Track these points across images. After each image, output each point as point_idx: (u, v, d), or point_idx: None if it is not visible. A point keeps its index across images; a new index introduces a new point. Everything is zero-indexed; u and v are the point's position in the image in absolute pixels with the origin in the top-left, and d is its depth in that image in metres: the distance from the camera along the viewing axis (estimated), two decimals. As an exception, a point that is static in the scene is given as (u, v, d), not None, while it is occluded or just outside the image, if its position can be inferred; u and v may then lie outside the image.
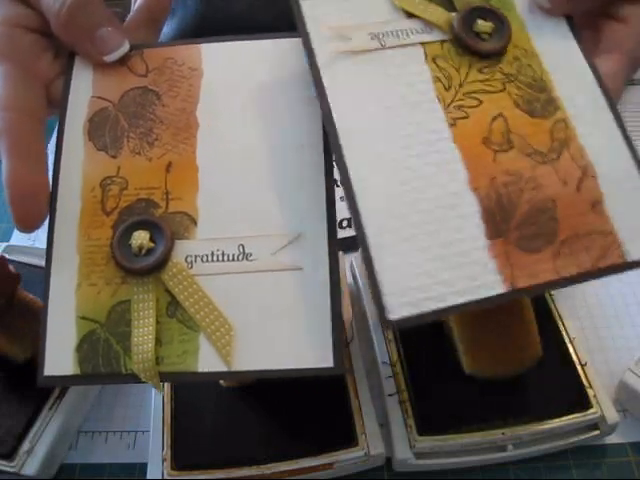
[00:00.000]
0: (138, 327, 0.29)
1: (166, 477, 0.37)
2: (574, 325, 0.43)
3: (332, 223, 0.31)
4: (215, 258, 0.30)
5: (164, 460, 0.38)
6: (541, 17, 0.33)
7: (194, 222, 0.31)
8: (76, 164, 0.32)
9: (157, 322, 0.29)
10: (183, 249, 0.30)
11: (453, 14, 0.32)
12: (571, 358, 0.41)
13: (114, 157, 0.32)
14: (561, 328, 0.43)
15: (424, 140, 0.30)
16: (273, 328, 0.29)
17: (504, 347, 0.37)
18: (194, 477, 0.37)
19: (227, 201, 0.31)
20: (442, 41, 0.32)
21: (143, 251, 0.30)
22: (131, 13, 0.35)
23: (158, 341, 0.29)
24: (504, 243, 0.29)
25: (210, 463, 0.38)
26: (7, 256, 0.49)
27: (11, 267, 0.40)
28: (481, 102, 0.31)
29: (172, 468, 0.37)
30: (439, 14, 0.32)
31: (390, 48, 0.32)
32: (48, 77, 0.32)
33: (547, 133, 0.31)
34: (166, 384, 0.41)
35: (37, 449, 0.40)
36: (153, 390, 0.41)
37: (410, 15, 0.32)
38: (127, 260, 0.30)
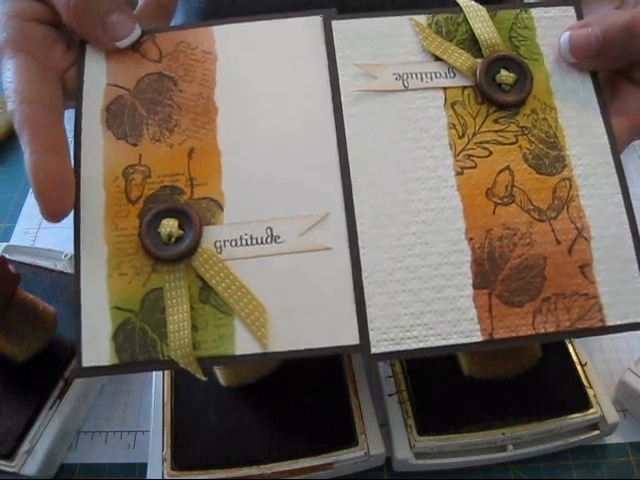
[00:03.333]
0: (173, 314, 0.29)
1: (166, 477, 0.37)
2: None
3: (349, 200, 0.31)
4: (244, 242, 0.30)
5: (164, 460, 0.38)
6: (567, 70, 0.34)
7: (220, 207, 0.31)
8: (96, 154, 0.31)
9: (191, 308, 0.30)
10: (211, 235, 0.31)
11: (478, 60, 0.33)
12: (571, 358, 0.41)
13: (134, 145, 0.32)
14: None
15: (431, 186, 0.32)
16: (304, 309, 0.30)
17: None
18: (194, 477, 0.37)
19: (252, 184, 0.31)
20: (464, 87, 0.33)
21: (173, 239, 0.30)
22: (140, 2, 0.35)
23: (194, 327, 0.30)
24: (489, 294, 0.31)
25: (210, 463, 0.38)
26: (7, 256, 0.49)
27: (11, 267, 0.40)
28: (491, 153, 0.32)
29: (172, 468, 0.38)
30: (464, 59, 0.33)
31: (412, 90, 0.33)
32: (62, 68, 0.32)
33: (550, 190, 0.32)
34: (166, 384, 0.42)
35: (37, 449, 0.39)
36: (153, 390, 0.42)
37: (437, 58, 0.33)
38: (157, 248, 0.30)
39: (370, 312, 0.30)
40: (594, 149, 0.33)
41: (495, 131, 0.33)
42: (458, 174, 0.32)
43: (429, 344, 0.30)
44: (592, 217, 0.32)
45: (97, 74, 0.33)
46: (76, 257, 0.31)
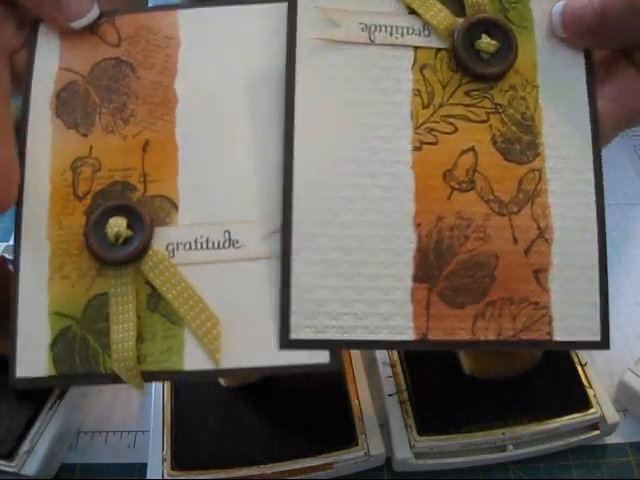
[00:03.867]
0: (117, 323, 0.27)
1: (166, 477, 0.37)
2: None
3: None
4: (199, 246, 0.28)
5: (164, 460, 0.37)
6: (559, 43, 0.29)
7: (175, 206, 0.28)
8: (44, 144, 0.29)
9: (138, 317, 0.27)
10: (164, 236, 0.28)
11: (460, 20, 0.29)
12: (571, 358, 0.41)
13: (85, 136, 0.29)
14: None
15: (382, 159, 0.28)
16: (263, 321, 0.27)
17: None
18: (194, 477, 0.37)
19: (211, 183, 0.29)
20: (438, 49, 0.29)
21: (120, 240, 0.27)
22: None
23: (140, 338, 0.27)
24: (429, 290, 0.27)
25: (210, 463, 0.37)
26: (7, 256, 0.43)
27: (11, 267, 0.36)
28: (456, 130, 0.28)
29: (172, 468, 0.37)
30: (442, 17, 0.29)
31: (379, 45, 0.29)
32: (11, 49, 0.30)
33: (516, 181, 0.28)
34: (166, 384, 0.40)
35: (37, 449, 0.39)
36: (153, 390, 0.41)
37: (412, 11, 0.29)
38: (103, 250, 0.27)
39: (294, 293, 0.27)
40: (573, 139, 0.29)
41: (465, 105, 0.29)
42: (416, 149, 0.28)
43: (355, 337, 0.27)
44: (558, 217, 0.28)
45: (49, 57, 0.30)
46: (16, 255, 0.28)
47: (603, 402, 0.39)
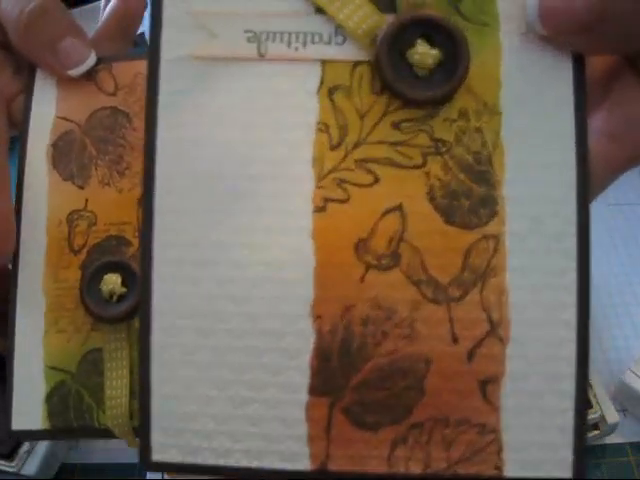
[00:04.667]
0: (111, 379, 0.27)
1: (166, 477, 0.37)
2: None
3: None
4: None
5: None
6: (534, 48, 0.20)
7: None
8: (40, 195, 0.28)
9: (131, 373, 0.27)
10: None
11: (387, 18, 0.20)
12: None
13: (81, 188, 0.28)
14: None
15: (270, 224, 0.20)
16: None
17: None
18: (194, 477, 0.36)
19: None
20: (356, 63, 0.21)
21: (115, 297, 0.27)
22: (99, 23, 0.31)
23: (133, 393, 0.27)
24: (331, 405, 0.20)
25: None
26: None
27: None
28: (377, 180, 0.20)
29: None
30: (362, 16, 0.20)
31: (271, 61, 0.21)
32: (8, 95, 0.29)
33: (460, 254, 0.20)
34: None
35: (37, 449, 0.40)
36: None
37: (319, 9, 0.21)
38: (97, 307, 0.27)
39: (156, 404, 0.21)
40: (549, 192, 0.20)
41: (392, 143, 0.20)
42: (318, 210, 0.20)
43: (233, 463, 0.20)
44: (519, 307, 0.20)
45: (46, 104, 0.29)
46: (12, 308, 0.28)
47: (603, 402, 0.39)
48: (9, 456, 0.39)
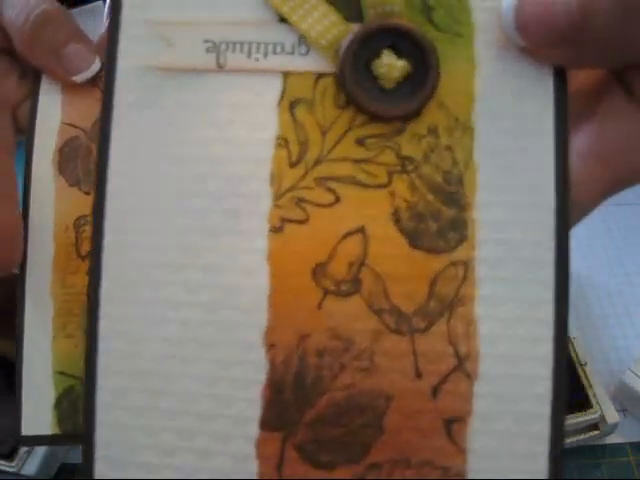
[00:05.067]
0: None
1: None
2: (574, 325, 0.42)
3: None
4: None
5: None
6: (511, 61, 0.19)
7: None
8: (47, 201, 0.28)
9: None
10: None
11: (354, 28, 0.19)
12: (571, 358, 0.40)
13: (88, 194, 0.28)
14: None
15: (224, 246, 0.19)
16: None
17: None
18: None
19: None
20: (319, 75, 0.19)
21: None
22: (103, 28, 0.29)
23: None
24: (283, 441, 0.19)
25: None
26: None
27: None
28: (338, 200, 0.19)
29: None
30: (327, 26, 0.19)
31: (230, 72, 0.20)
32: (14, 101, 0.29)
33: (426, 281, 0.19)
34: None
35: (37, 449, 0.40)
36: None
37: (282, 18, 0.19)
38: None
39: (101, 431, 0.19)
40: (525, 215, 0.19)
41: (355, 160, 0.19)
42: (274, 231, 0.19)
43: (180, 500, 0.19)
44: (489, 339, 0.18)
45: (51, 110, 0.28)
46: (20, 314, 0.27)
47: (603, 402, 0.39)
48: (9, 456, 0.39)
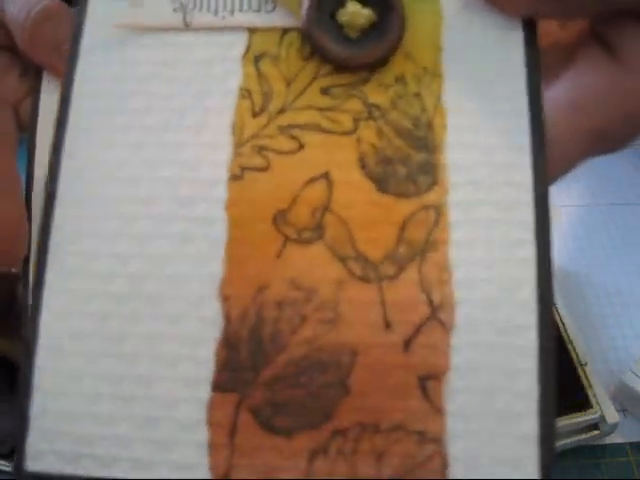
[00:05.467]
0: None
1: None
2: (574, 325, 0.42)
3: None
4: None
5: None
6: (479, 9, 0.19)
7: None
8: None
9: None
10: None
11: (320, -16, 0.19)
12: (571, 358, 0.40)
13: None
14: (561, 328, 0.41)
15: (180, 195, 0.18)
16: None
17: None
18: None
19: None
20: (285, 31, 0.19)
21: None
22: None
23: None
24: (237, 404, 0.17)
25: None
26: None
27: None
28: (302, 147, 0.18)
29: None
30: (292, -18, 0.19)
31: (197, 31, 0.19)
32: (16, 98, 0.28)
33: (395, 226, 0.17)
34: None
35: None
36: None
37: (248, -23, 0.19)
38: None
39: (37, 401, 0.17)
40: (500, 157, 0.17)
41: (320, 109, 0.18)
42: (233, 179, 0.18)
43: (119, 474, 0.17)
44: (465, 285, 0.17)
45: (53, 107, 0.26)
46: (25, 309, 0.24)
47: (603, 402, 0.39)
48: (9, 456, 0.38)
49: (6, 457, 0.38)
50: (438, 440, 0.16)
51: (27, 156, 0.27)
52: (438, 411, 0.16)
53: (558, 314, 0.42)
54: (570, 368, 0.40)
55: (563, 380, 0.38)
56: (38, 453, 0.17)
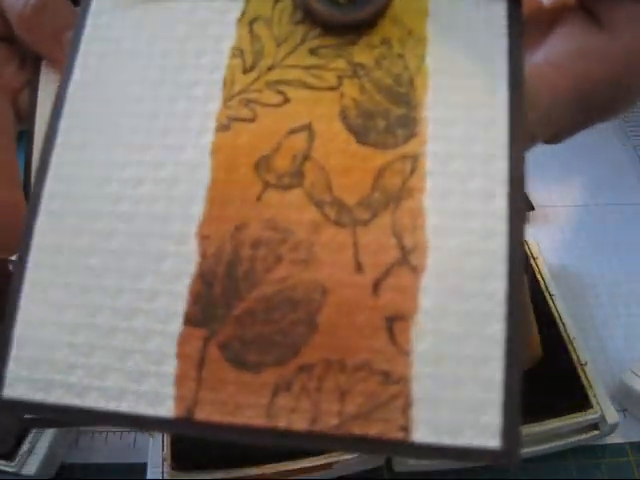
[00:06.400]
0: None
1: (166, 477, 0.37)
2: (574, 325, 0.42)
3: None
4: None
5: (164, 460, 0.37)
6: (465, -19, 0.19)
7: None
8: None
9: None
10: None
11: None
12: (571, 358, 0.40)
13: None
14: (561, 328, 0.42)
15: (170, 142, 0.19)
16: None
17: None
18: (194, 477, 0.36)
19: None
20: (279, -4, 0.20)
21: None
22: None
23: None
24: (206, 339, 0.17)
25: (210, 463, 0.36)
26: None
27: (11, 266, 0.37)
28: (287, 100, 0.19)
29: (172, 468, 0.37)
30: (288, -48, 0.20)
31: (195, -3, 0.21)
32: (14, 88, 0.29)
33: (371, 174, 0.18)
34: None
35: (37, 449, 0.40)
36: None
37: (248, -53, 0.21)
38: None
39: (19, 330, 0.18)
40: (477, 114, 0.18)
41: (306, 67, 0.19)
42: (221, 129, 0.19)
43: (88, 403, 0.17)
44: (437, 231, 0.17)
45: (51, 98, 0.27)
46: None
47: (603, 402, 0.39)
48: (9, 456, 0.39)
49: (6, 457, 0.39)
50: (402, 380, 0.16)
51: (26, 146, 0.27)
52: (404, 352, 0.16)
53: (558, 314, 0.42)
54: (570, 368, 0.40)
55: (563, 380, 0.38)
56: (15, 380, 0.18)
